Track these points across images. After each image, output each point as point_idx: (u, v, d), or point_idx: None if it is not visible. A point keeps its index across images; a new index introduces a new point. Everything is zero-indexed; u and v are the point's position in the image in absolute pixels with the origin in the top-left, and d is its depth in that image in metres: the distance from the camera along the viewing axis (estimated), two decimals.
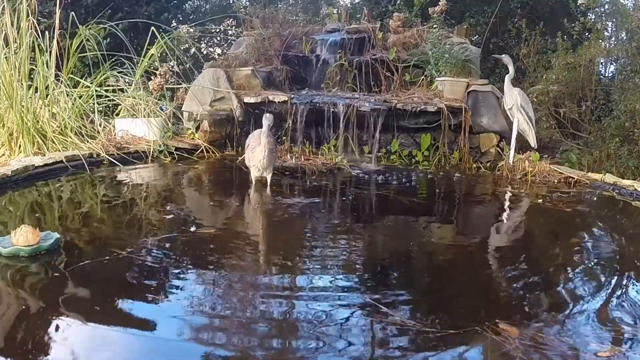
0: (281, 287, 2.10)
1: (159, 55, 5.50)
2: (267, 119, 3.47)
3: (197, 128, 5.27)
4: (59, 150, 4.25)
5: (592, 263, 2.58)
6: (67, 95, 4.88)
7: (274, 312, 1.85)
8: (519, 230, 3.26)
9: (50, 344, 1.56)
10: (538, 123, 5.53)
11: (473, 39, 7.48)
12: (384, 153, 5.13)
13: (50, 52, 4.76)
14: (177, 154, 4.76)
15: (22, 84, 4.42)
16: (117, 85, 5.34)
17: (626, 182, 3.99)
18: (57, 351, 1.52)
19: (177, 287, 2.05)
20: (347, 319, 1.80)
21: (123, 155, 4.48)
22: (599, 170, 4.69)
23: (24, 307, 1.83)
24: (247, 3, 10.42)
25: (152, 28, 5.44)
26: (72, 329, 1.67)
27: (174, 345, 1.62)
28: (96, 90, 5.06)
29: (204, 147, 5.01)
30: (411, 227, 3.19)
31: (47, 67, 4.71)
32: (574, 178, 4.21)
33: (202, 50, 9.11)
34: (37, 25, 4.61)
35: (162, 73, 5.34)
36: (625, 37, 6.66)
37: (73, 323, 1.71)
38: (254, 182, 3.66)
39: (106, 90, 5.21)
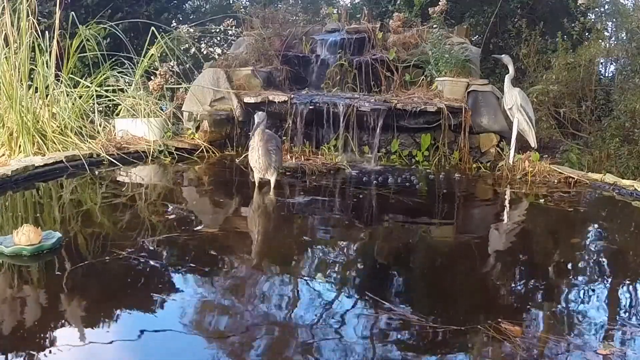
0: (283, 285, 2.10)
1: (159, 55, 5.49)
2: (257, 117, 3.34)
3: (197, 128, 5.27)
4: (59, 150, 4.25)
5: (593, 262, 2.58)
6: (67, 95, 4.87)
7: (276, 309, 1.85)
8: (519, 230, 3.26)
9: (51, 344, 1.56)
10: (538, 123, 5.53)
11: (473, 39, 7.47)
12: (384, 153, 5.13)
13: (50, 52, 4.76)
14: (177, 154, 4.76)
15: (22, 84, 4.42)
16: (117, 85, 5.33)
17: (626, 182, 3.99)
18: (57, 352, 1.52)
19: (177, 288, 2.05)
20: (350, 314, 1.81)
21: (123, 155, 4.47)
22: (599, 170, 4.69)
23: (26, 306, 1.83)
24: (247, 3, 10.43)
25: (152, 28, 5.44)
26: (73, 329, 1.67)
27: (175, 346, 1.62)
28: (96, 90, 5.06)
29: (204, 147, 5.00)
30: (412, 227, 3.19)
31: (47, 67, 4.70)
32: (574, 178, 4.21)
33: (202, 50, 9.10)
34: (37, 25, 4.60)
35: (162, 73, 5.34)
36: (625, 37, 6.66)
37: (74, 323, 1.71)
38: (256, 184, 3.62)
39: (106, 90, 5.21)
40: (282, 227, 3.11)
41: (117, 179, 4.06)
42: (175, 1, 8.84)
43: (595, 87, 6.23)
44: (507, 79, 4.70)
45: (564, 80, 6.16)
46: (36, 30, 4.60)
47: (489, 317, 1.78)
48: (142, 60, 5.45)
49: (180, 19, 9.28)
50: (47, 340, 1.58)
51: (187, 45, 7.85)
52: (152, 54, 5.45)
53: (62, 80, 4.91)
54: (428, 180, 4.37)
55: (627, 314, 1.98)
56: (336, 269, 2.32)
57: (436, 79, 5.29)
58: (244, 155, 4.51)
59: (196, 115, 5.25)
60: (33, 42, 4.62)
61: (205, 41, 9.44)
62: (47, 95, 4.63)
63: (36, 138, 4.29)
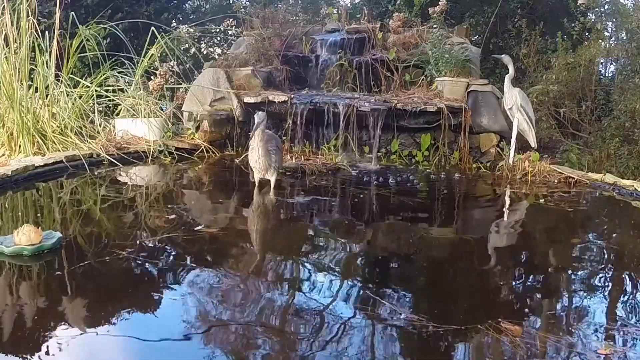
0: (283, 285, 2.10)
1: (159, 55, 5.49)
2: (257, 117, 3.32)
3: (197, 128, 5.27)
4: (59, 150, 4.25)
5: (593, 262, 2.58)
6: (67, 95, 4.88)
7: (276, 309, 1.85)
8: (519, 230, 3.26)
9: (52, 343, 1.56)
10: (538, 123, 5.53)
11: (473, 39, 7.47)
12: (384, 153, 5.13)
13: (50, 52, 4.76)
14: (177, 154, 4.76)
15: (22, 84, 4.42)
16: (117, 85, 5.33)
17: (626, 182, 3.99)
18: (57, 351, 1.52)
19: (177, 288, 2.05)
20: (350, 313, 1.81)
21: (123, 155, 4.48)
22: (599, 170, 4.69)
23: (26, 306, 1.83)
24: (247, 3, 10.43)
25: (152, 28, 5.44)
26: (73, 329, 1.67)
27: (175, 346, 1.62)
28: (96, 90, 5.06)
29: (204, 147, 5.00)
30: (412, 227, 3.19)
31: (47, 67, 4.70)
32: (574, 178, 4.21)
33: (202, 50, 9.11)
34: (37, 25, 4.60)
35: (162, 73, 5.35)
36: (625, 37, 6.66)
37: (74, 323, 1.71)
38: (256, 184, 3.62)
39: (106, 90, 5.21)
40: (282, 227, 3.11)
41: (117, 179, 4.06)
42: (175, 1, 8.83)
43: (595, 87, 6.23)
44: (507, 79, 4.70)
45: (564, 80, 6.16)
46: (36, 30, 4.60)
47: (489, 317, 1.78)
48: (142, 60, 5.45)
49: (180, 19, 9.28)
50: (48, 339, 1.58)
51: (187, 45, 7.85)
52: (152, 54, 5.46)
53: (62, 80, 4.91)
54: (428, 181, 4.37)
55: (627, 314, 1.98)
56: (336, 268, 2.32)
57: (436, 79, 5.29)
58: (244, 155, 4.50)
59: (196, 115, 5.25)
60: (33, 42, 4.62)
61: (205, 41, 9.44)
62: (47, 95, 4.63)
63: (36, 138, 4.29)
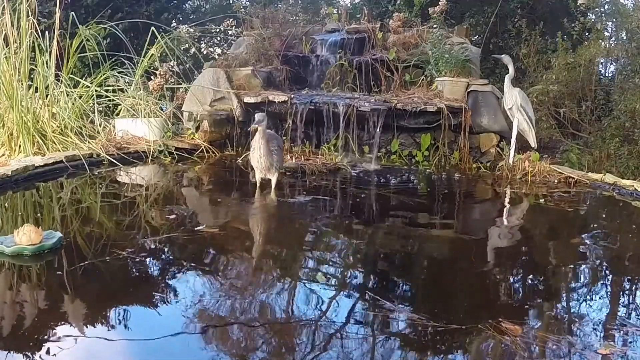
0: (284, 285, 2.10)
1: (159, 55, 5.49)
2: (257, 119, 3.31)
3: (197, 128, 5.27)
4: (59, 150, 4.25)
5: (593, 262, 2.58)
6: (67, 95, 4.88)
7: (276, 310, 1.85)
8: (519, 230, 3.26)
9: (52, 343, 1.56)
10: (538, 123, 5.53)
11: (473, 39, 7.48)
12: (384, 153, 5.13)
13: (50, 52, 4.76)
14: (177, 154, 4.76)
15: (22, 84, 4.42)
16: (117, 85, 5.33)
17: (626, 182, 3.99)
18: (58, 351, 1.52)
19: (177, 288, 2.05)
20: (350, 313, 1.81)
21: (123, 155, 4.47)
22: (599, 170, 4.69)
23: (26, 306, 1.83)
24: (247, 3, 10.43)
25: (152, 28, 5.44)
26: (74, 329, 1.67)
27: (175, 345, 1.62)
28: (96, 90, 5.06)
29: (204, 147, 5.00)
30: (412, 226, 3.19)
31: (47, 67, 4.70)
32: (574, 178, 4.21)
33: (202, 50, 9.11)
34: (37, 25, 4.60)
35: (162, 73, 5.35)
36: (625, 37, 6.66)
37: (75, 322, 1.71)
38: (257, 184, 3.62)
39: (106, 90, 5.21)
40: (283, 227, 3.11)
41: (117, 179, 4.06)
42: (175, 1, 8.84)
43: (595, 87, 6.23)
44: (507, 79, 4.70)
45: (564, 80, 6.16)
46: (36, 30, 4.60)
47: (489, 317, 1.78)
48: (142, 60, 5.46)
49: (180, 19, 9.28)
50: (48, 339, 1.58)
51: (187, 45, 7.85)
52: (152, 54, 5.46)
53: (62, 80, 4.91)
54: (428, 180, 4.37)
55: (627, 313, 1.98)
56: (337, 268, 2.32)
57: (436, 79, 5.29)
58: (244, 155, 4.51)
59: (196, 115, 5.25)
60: (33, 42, 4.62)
61: (205, 41, 9.44)
62: (47, 95, 4.63)
63: (36, 138, 4.29)
